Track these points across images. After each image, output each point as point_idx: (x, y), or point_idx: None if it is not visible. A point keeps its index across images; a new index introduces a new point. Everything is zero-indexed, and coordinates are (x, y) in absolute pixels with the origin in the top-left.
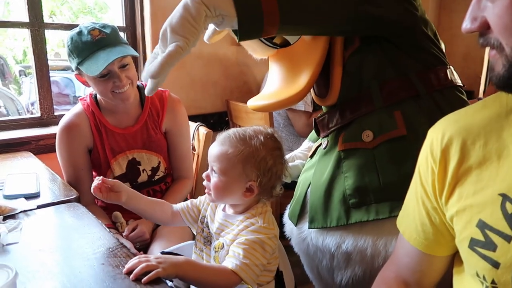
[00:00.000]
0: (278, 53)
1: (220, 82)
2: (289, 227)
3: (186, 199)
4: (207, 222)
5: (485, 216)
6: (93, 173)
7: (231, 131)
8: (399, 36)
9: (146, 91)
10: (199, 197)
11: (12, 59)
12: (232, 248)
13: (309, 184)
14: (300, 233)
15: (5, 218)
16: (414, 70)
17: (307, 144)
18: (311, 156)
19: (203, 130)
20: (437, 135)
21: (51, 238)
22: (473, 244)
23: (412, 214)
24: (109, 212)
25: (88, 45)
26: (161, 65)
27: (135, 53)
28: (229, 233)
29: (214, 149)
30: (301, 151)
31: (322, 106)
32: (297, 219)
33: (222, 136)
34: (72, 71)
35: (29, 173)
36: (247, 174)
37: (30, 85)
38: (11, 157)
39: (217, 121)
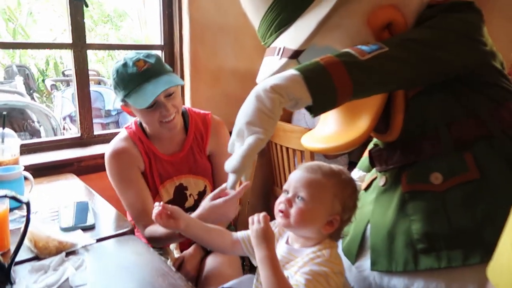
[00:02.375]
0: None
1: None
2: (346, 263)
3: (230, 224)
4: None
5: None
6: None
7: (316, 163)
8: (468, 75)
9: (228, 186)
10: None
11: (34, 66)
12: (296, 277)
13: (367, 222)
14: (361, 271)
15: (66, 254)
16: (485, 107)
17: (358, 174)
18: (366, 189)
19: None
20: None
21: (117, 278)
22: None
23: (507, 265)
24: None
25: (134, 77)
26: (243, 159)
27: (181, 82)
28: (294, 266)
29: (303, 175)
30: None
31: (378, 140)
32: (355, 257)
33: (308, 165)
34: (120, 102)
35: (81, 201)
36: (334, 207)
37: (62, 99)
38: (54, 179)
39: None
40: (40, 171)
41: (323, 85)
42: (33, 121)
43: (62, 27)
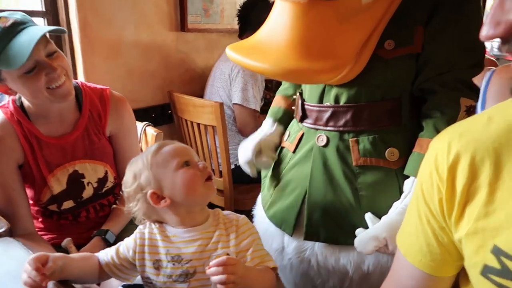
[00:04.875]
0: (313, 3)
1: (160, 72)
2: (279, 237)
3: None
4: (172, 258)
5: (501, 241)
6: (27, 191)
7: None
8: None
9: None
10: (125, 242)
11: None
12: (255, 254)
13: (306, 191)
14: (302, 251)
15: None
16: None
17: (271, 127)
18: (295, 150)
19: (151, 131)
20: (442, 150)
21: None
22: (487, 271)
23: (414, 234)
24: (56, 239)
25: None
26: None
27: (61, 28)
28: (222, 242)
29: (186, 146)
30: (267, 136)
31: (307, 85)
32: (293, 228)
33: (171, 141)
34: None
35: None
36: None
37: None
38: None
39: (159, 114)
40: None
41: None
42: None
43: None
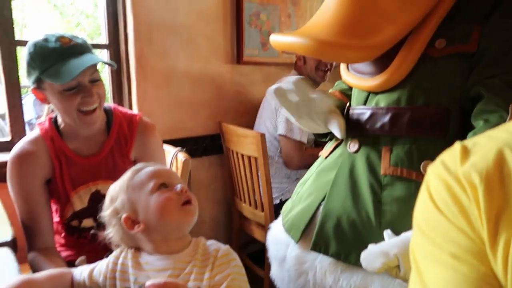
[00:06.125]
0: None
1: (213, 103)
2: (285, 245)
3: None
4: (139, 287)
5: None
6: (53, 206)
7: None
8: None
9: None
10: (100, 265)
11: None
12: None
13: (324, 196)
14: (303, 262)
15: None
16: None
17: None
18: (327, 156)
19: (181, 156)
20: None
21: None
22: None
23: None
24: (73, 256)
25: (56, 51)
26: None
27: (112, 62)
28: (196, 274)
29: (167, 168)
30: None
31: (355, 90)
32: (301, 234)
33: (150, 163)
34: (32, 83)
35: None
36: None
37: None
38: None
39: (210, 144)
40: None
41: None
42: None
43: None
